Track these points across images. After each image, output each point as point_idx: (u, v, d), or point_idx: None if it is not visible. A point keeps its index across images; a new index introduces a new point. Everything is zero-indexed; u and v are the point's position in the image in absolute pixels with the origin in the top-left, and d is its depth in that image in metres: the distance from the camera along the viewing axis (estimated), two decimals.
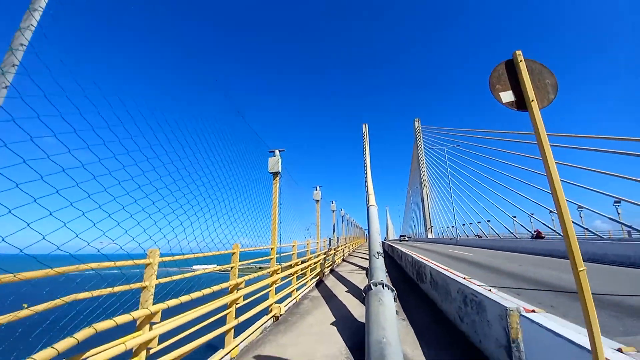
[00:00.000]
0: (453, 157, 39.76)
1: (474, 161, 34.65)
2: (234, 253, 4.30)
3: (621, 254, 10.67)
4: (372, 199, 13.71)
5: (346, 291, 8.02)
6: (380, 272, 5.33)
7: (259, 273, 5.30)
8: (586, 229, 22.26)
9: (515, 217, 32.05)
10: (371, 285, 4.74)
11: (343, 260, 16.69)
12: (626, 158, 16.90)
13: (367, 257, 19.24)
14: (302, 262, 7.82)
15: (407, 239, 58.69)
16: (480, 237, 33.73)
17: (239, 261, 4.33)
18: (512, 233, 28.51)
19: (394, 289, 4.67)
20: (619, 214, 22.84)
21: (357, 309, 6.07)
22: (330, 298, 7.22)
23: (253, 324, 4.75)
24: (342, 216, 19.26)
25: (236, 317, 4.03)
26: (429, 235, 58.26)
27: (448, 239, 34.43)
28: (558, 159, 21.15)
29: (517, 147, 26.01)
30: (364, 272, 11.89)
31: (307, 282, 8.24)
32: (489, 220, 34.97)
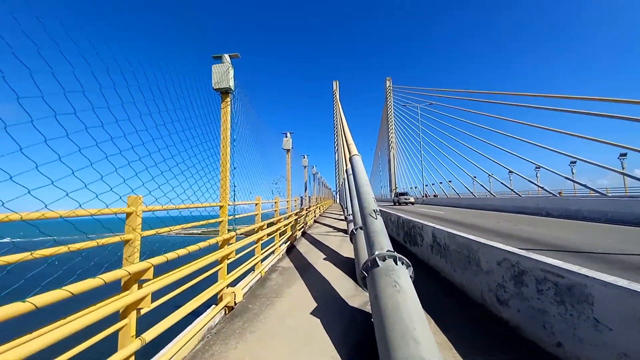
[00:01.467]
0: (423, 117, 39.24)
1: (441, 122, 34.37)
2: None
3: (597, 209, 10.59)
4: (354, 149, 12.01)
5: (324, 258, 6.53)
6: (384, 239, 3.66)
7: (201, 245, 3.35)
8: (542, 187, 23.29)
9: (475, 177, 33.48)
10: (376, 259, 3.09)
11: (315, 221, 15.39)
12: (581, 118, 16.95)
13: (340, 218, 18.22)
14: (269, 225, 6.03)
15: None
16: (437, 196, 34.91)
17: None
18: (471, 192, 29.60)
19: (409, 262, 3.08)
20: (573, 173, 24.81)
21: (343, 285, 4.56)
22: (305, 269, 5.65)
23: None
24: (314, 174, 17.57)
25: None
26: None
27: (417, 199, 35.21)
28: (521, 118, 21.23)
29: (485, 107, 25.66)
30: (341, 233, 10.61)
31: (275, 249, 6.57)
32: (450, 181, 36.27)
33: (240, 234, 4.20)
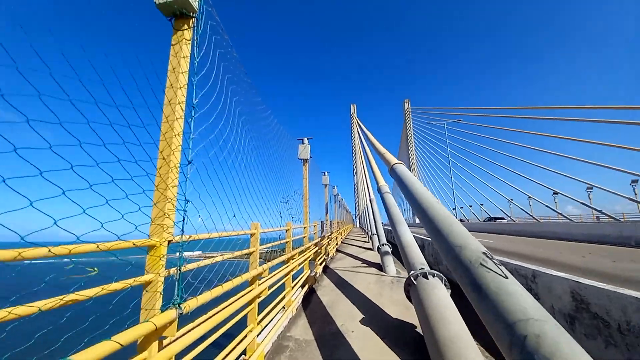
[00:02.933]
0: (449, 138, 36.84)
1: (468, 141, 31.90)
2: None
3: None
4: (383, 182, 9.87)
5: (362, 321, 4.19)
6: (422, 259, 2.36)
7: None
8: (560, 213, 20.97)
9: (512, 199, 29.97)
10: (419, 274, 2.38)
11: (337, 250, 12.97)
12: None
13: (367, 246, 15.66)
14: (273, 266, 3.89)
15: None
16: (463, 221, 31.56)
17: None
18: (508, 216, 26.08)
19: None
20: (590, 199, 24.07)
21: None
22: (333, 348, 3.35)
23: None
24: (335, 195, 15.42)
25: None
26: (417, 220, 56.25)
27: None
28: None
29: (519, 123, 23.11)
30: (374, 269, 8.17)
31: (286, 302, 4.35)
32: (482, 204, 32.79)
33: None
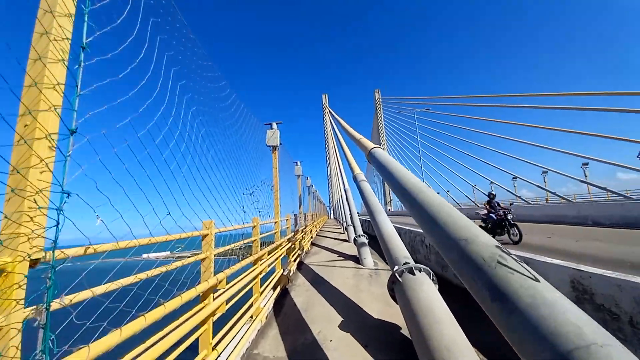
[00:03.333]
0: (419, 127, 37.79)
1: (436, 130, 32.94)
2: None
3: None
4: (358, 169, 9.40)
5: (341, 326, 3.71)
6: (405, 252, 3.09)
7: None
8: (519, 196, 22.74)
9: (475, 185, 31.64)
10: (405, 270, 2.72)
11: (312, 244, 12.50)
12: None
13: (340, 237, 15.38)
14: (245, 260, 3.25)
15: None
16: None
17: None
18: (472, 201, 27.54)
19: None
20: (545, 182, 25.58)
21: None
22: None
23: None
24: (309, 187, 14.86)
25: None
26: (389, 209, 57.81)
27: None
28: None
29: (480, 112, 24.28)
30: (351, 261, 7.79)
31: (254, 310, 3.75)
32: (448, 191, 34.33)
33: None
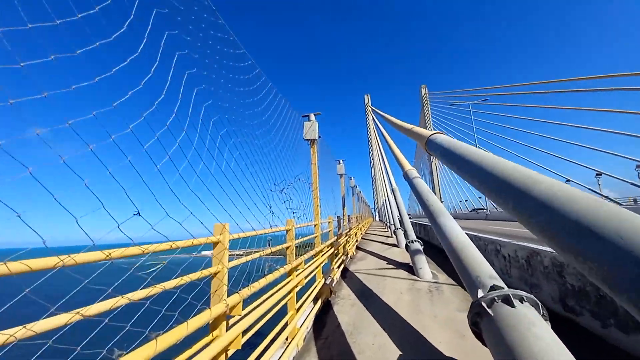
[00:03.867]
0: (471, 121, 34.05)
1: (493, 123, 29.10)
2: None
3: None
4: (409, 165, 8.23)
5: None
6: (490, 269, 2.14)
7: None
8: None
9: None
10: (496, 298, 1.88)
11: (357, 248, 11.59)
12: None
13: (388, 242, 14.12)
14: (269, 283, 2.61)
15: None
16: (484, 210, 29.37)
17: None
18: None
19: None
20: (599, 185, 25.34)
21: None
22: None
23: None
24: (352, 187, 14.00)
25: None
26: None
27: (475, 213, 29.22)
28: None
29: (553, 99, 20.45)
30: (404, 271, 6.73)
31: (289, 331, 3.07)
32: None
33: None
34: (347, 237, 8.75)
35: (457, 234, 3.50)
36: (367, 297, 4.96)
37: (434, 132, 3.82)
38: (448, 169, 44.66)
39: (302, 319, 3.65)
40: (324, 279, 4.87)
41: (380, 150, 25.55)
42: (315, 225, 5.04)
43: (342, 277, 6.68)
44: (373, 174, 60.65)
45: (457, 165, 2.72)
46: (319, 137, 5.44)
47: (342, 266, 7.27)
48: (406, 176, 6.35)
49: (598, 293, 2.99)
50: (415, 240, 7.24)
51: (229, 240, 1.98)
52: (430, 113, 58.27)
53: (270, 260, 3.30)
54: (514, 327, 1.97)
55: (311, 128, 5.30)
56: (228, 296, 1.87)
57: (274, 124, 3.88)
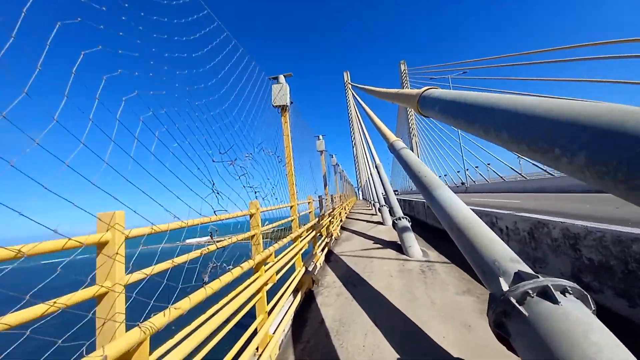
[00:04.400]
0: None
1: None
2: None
3: None
4: (394, 137, 7.52)
5: None
6: (509, 251, 1.61)
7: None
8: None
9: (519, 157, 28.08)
10: (530, 292, 1.32)
11: (342, 228, 11.09)
12: None
13: (373, 219, 13.77)
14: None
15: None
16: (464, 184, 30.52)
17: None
18: (520, 174, 24.12)
19: None
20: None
21: None
22: None
23: None
24: (334, 165, 13.31)
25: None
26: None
27: (454, 187, 29.73)
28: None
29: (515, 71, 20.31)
30: (392, 250, 6.26)
31: (260, 340, 2.40)
32: (489, 164, 30.86)
33: None
34: (330, 217, 8.15)
35: (460, 208, 2.86)
36: (355, 284, 4.40)
37: (426, 87, 3.13)
38: (430, 145, 44.60)
39: (278, 319, 3.00)
40: (304, 267, 4.22)
41: (361, 127, 24.84)
42: (291, 207, 4.31)
43: (326, 261, 6.11)
44: (355, 153, 60.32)
45: (465, 118, 2.07)
46: (291, 102, 4.58)
47: (325, 249, 6.69)
48: (392, 148, 5.67)
49: (626, 268, 2.52)
50: (403, 217, 6.75)
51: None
52: (410, 88, 57.64)
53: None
54: (563, 333, 1.35)
55: (280, 92, 4.42)
56: None
57: (230, 82, 2.99)
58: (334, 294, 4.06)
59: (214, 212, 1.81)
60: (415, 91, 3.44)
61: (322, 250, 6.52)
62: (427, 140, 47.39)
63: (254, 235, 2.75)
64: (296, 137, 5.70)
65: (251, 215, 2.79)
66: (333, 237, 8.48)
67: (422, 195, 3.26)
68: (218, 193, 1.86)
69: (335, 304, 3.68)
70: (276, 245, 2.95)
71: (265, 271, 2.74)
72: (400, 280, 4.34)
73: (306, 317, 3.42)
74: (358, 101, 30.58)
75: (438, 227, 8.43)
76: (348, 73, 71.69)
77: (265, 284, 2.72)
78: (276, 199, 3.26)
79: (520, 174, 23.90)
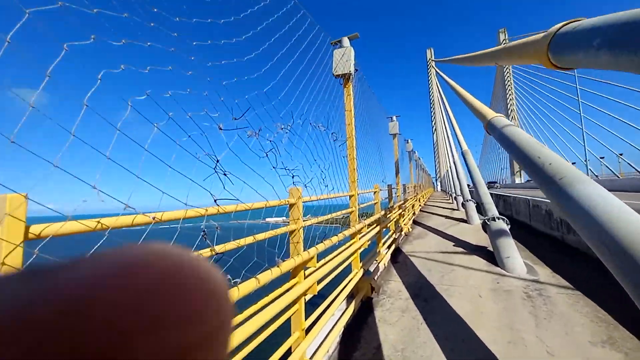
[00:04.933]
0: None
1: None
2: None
3: None
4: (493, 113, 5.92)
5: None
6: None
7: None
8: None
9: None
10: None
11: (414, 222, 9.79)
12: None
13: (453, 216, 11.73)
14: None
15: (497, 186, 44.60)
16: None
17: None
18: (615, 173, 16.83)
19: None
20: None
21: None
22: None
23: None
24: (410, 152, 11.85)
25: None
26: (516, 180, 45.75)
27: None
28: None
29: None
30: (476, 255, 4.90)
31: (296, 345, 1.88)
32: (602, 157, 22.99)
33: None
34: (400, 210, 7.10)
35: (628, 216, 1.67)
36: (427, 298, 3.47)
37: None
38: (533, 129, 37.31)
39: (321, 337, 2.42)
40: (362, 269, 3.51)
41: (444, 111, 21.69)
42: (350, 197, 3.60)
43: (392, 261, 5.23)
44: (435, 140, 54.35)
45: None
46: (356, 70, 3.78)
47: (392, 247, 5.78)
48: (491, 128, 4.29)
49: None
50: (499, 218, 5.22)
51: None
52: (512, 75, 47.74)
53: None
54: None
55: (343, 58, 3.65)
56: None
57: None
58: (399, 308, 3.24)
59: (215, 201, 1.27)
60: (538, 36, 2.27)
61: (389, 247, 5.65)
62: (531, 122, 38.90)
63: (293, 231, 2.17)
64: (361, 114, 4.87)
65: (291, 206, 2.22)
66: (403, 233, 7.43)
67: (544, 191, 2.15)
68: (225, 174, 1.31)
69: (399, 324, 2.87)
70: (321, 246, 2.32)
71: (305, 277, 2.16)
72: (495, 304, 3.19)
73: (359, 335, 2.74)
74: (443, 79, 26.77)
75: (552, 234, 6.41)
76: (432, 50, 64.34)
77: (304, 294, 2.15)
78: (326, 186, 2.61)
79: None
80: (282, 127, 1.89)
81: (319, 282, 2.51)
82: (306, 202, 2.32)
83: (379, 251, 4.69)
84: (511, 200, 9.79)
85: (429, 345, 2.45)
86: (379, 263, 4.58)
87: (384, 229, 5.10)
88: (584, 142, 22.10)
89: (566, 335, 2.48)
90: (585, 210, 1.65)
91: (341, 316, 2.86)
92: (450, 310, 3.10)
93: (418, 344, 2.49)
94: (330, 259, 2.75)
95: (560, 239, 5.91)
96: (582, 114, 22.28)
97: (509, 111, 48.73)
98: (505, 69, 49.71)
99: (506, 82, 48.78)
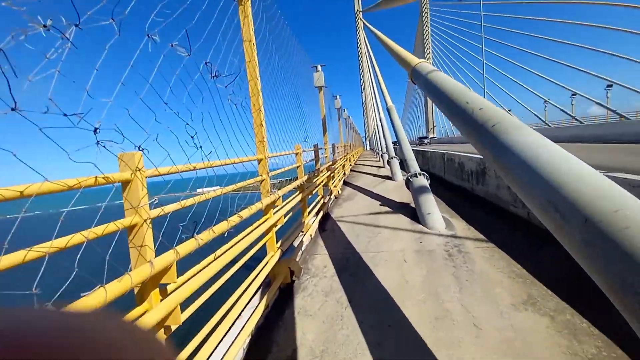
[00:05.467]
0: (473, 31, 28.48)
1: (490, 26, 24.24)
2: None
3: None
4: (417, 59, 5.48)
5: None
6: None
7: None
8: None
9: (548, 99, 25.11)
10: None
11: (345, 183, 9.69)
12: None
13: (380, 173, 12.06)
14: None
15: (427, 142, 42.67)
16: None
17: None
18: (543, 120, 21.34)
19: None
20: (607, 98, 22.68)
21: None
22: None
23: None
24: (339, 109, 11.31)
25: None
26: (431, 136, 51.65)
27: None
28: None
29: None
30: (401, 213, 4.86)
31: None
32: (509, 110, 27.75)
33: None
34: (329, 172, 6.66)
35: (580, 169, 1.16)
36: (354, 271, 3.11)
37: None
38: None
39: (223, 348, 1.74)
40: (279, 250, 2.87)
41: (372, 65, 21.53)
42: (260, 162, 2.78)
43: (321, 229, 4.81)
44: (364, 98, 55.64)
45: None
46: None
47: (321, 213, 5.36)
48: (415, 76, 3.76)
49: None
50: (420, 174, 5.19)
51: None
52: (430, 22, 49.96)
53: None
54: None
55: (319, 78, 2.81)
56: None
57: None
58: (322, 291, 2.77)
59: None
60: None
61: (317, 214, 5.20)
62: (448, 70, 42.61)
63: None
64: (269, 52, 3.86)
65: (124, 185, 1.29)
66: (333, 196, 7.12)
67: (473, 141, 1.69)
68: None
69: (321, 314, 2.40)
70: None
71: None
72: (420, 269, 3.00)
73: (271, 339, 2.17)
74: (370, 30, 26.07)
75: (463, 185, 6.91)
76: (359, 0, 62.12)
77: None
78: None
79: (544, 122, 21.13)
80: None
81: (206, 287, 1.75)
82: (156, 176, 1.40)
83: (305, 222, 4.15)
84: (429, 155, 10.45)
85: (353, 340, 2.03)
86: (304, 235, 4.06)
87: (310, 195, 4.54)
88: (484, 85, 25.08)
89: (488, 300, 2.37)
90: (522, 160, 1.21)
91: (250, 316, 2.22)
92: (377, 284, 2.78)
93: (340, 340, 2.04)
94: (226, 250, 1.98)
95: (470, 190, 6.39)
96: (484, 48, 24.35)
97: (426, 55, 51.64)
98: (424, 33, 51.97)
99: (425, 45, 51.32)
